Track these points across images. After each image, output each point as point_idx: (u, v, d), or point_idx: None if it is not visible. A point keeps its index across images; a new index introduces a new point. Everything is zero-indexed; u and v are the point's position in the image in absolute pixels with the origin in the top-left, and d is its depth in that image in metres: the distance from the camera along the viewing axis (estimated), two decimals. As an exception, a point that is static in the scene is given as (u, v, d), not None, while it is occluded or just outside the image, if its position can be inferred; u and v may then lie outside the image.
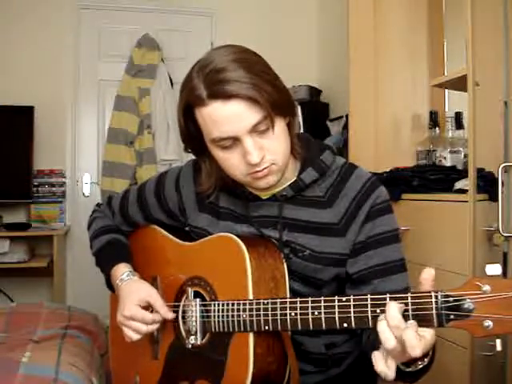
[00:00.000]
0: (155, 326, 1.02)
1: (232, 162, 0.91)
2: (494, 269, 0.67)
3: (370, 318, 0.75)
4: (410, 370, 0.76)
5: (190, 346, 0.99)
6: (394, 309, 0.70)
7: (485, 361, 1.50)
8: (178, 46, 3.39)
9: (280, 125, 0.90)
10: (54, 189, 3.16)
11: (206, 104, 0.86)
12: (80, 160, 3.34)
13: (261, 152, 0.88)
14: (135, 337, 1.01)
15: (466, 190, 1.56)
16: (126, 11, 3.36)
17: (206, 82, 0.85)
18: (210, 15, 3.47)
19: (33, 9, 3.18)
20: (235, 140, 0.88)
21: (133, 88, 3.17)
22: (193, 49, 3.37)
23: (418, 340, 0.67)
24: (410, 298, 0.71)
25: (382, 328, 0.71)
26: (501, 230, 1.48)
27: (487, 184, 1.59)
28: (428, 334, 0.70)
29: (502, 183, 1.51)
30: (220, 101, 0.84)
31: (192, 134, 0.94)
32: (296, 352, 0.94)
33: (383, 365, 0.72)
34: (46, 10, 3.20)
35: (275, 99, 0.86)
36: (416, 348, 0.67)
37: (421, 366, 0.76)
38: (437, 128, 2.05)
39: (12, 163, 2.98)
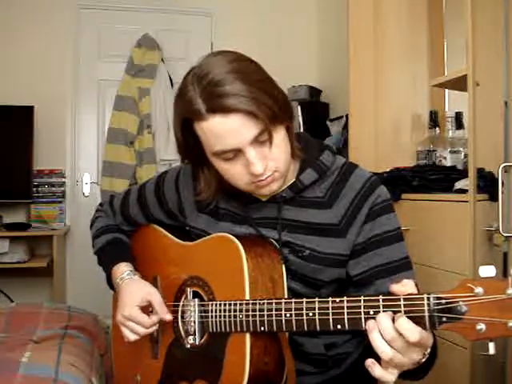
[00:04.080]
0: (153, 329, 1.02)
1: (235, 172, 0.91)
2: (488, 270, 0.65)
3: (363, 320, 0.74)
4: (414, 366, 0.76)
5: (188, 345, 0.99)
6: (385, 321, 0.70)
7: (485, 361, 1.50)
8: (178, 45, 3.39)
9: (280, 132, 0.90)
10: (53, 189, 3.16)
11: (205, 118, 0.85)
12: (80, 160, 3.34)
13: (264, 162, 0.88)
14: (133, 337, 1.02)
15: (466, 190, 1.56)
16: (126, 11, 3.37)
17: (204, 95, 0.84)
18: (209, 15, 3.47)
19: (33, 9, 3.18)
20: (238, 152, 0.87)
21: (133, 88, 3.17)
22: (193, 49, 3.37)
23: (411, 324, 0.68)
24: (402, 300, 0.71)
25: (377, 343, 0.71)
26: (501, 230, 1.47)
27: (487, 184, 1.59)
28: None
29: (502, 183, 1.51)
30: (219, 115, 0.84)
31: (191, 146, 0.93)
32: (296, 353, 0.94)
33: (380, 369, 0.72)
34: (45, 9, 3.20)
35: (273, 110, 0.86)
36: (414, 332, 0.68)
37: (423, 360, 0.75)
38: (437, 128, 2.05)
39: (12, 163, 2.98)
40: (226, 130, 0.85)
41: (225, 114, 0.83)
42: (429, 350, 0.75)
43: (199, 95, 0.85)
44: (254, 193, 0.96)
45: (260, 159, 0.87)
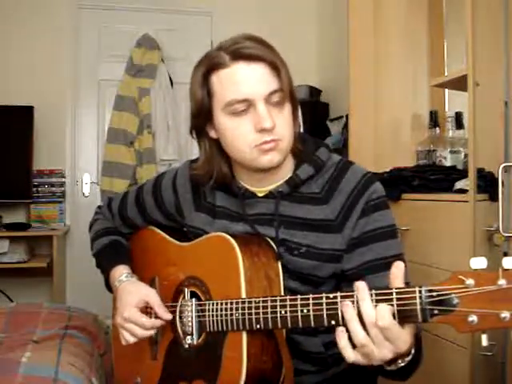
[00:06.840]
0: (153, 332, 1.03)
1: (241, 132, 0.92)
2: (479, 262, 0.65)
3: None
4: (391, 368, 0.77)
5: (186, 345, 1.00)
6: (385, 310, 0.70)
7: (485, 361, 1.50)
8: (177, 45, 3.39)
9: (288, 110, 0.94)
10: (53, 189, 3.16)
11: (227, 66, 0.90)
12: (80, 160, 3.34)
13: (273, 121, 0.90)
14: (131, 340, 1.02)
15: (466, 190, 1.56)
16: (126, 11, 3.37)
17: (229, 50, 0.90)
18: (209, 15, 3.47)
19: (33, 9, 3.18)
20: (249, 105, 0.90)
21: (133, 88, 3.17)
22: (193, 49, 3.36)
23: (389, 311, 0.69)
24: (394, 293, 0.71)
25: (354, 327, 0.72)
26: (501, 230, 1.47)
27: (487, 184, 1.59)
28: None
29: (502, 183, 1.50)
30: (243, 62, 0.89)
31: (204, 106, 0.95)
32: (295, 352, 0.94)
33: (346, 340, 0.73)
34: (45, 9, 3.20)
35: (290, 81, 0.91)
36: (386, 316, 0.69)
37: (402, 365, 0.76)
38: (437, 128, 2.05)
39: (12, 163, 2.97)
40: (246, 76, 0.89)
41: (248, 61, 0.89)
42: (410, 357, 0.76)
43: (223, 51, 0.90)
44: (254, 164, 0.95)
45: (270, 116, 0.90)
